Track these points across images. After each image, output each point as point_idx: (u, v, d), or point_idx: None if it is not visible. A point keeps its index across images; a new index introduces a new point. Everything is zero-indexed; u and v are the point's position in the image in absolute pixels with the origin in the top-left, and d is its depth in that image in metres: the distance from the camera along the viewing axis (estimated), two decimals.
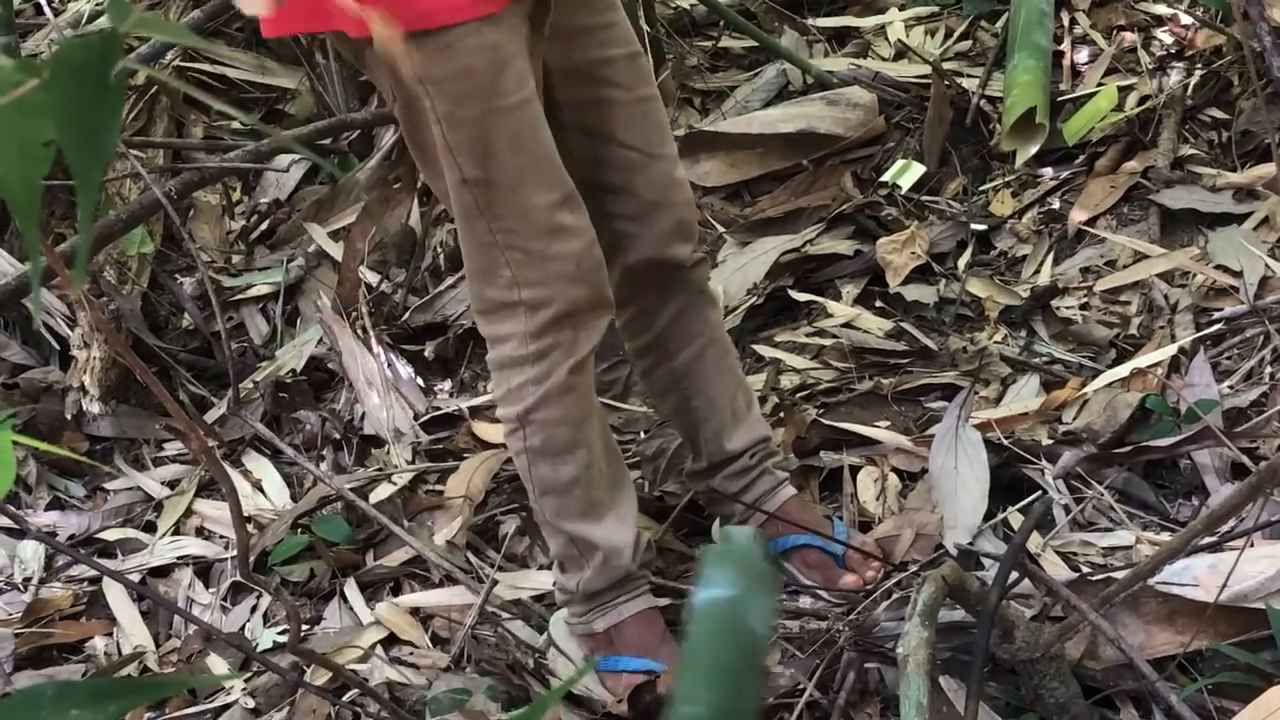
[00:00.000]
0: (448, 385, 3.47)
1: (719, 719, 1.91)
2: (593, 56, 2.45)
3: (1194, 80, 3.57)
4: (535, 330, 2.40)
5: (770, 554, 2.79)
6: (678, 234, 2.59)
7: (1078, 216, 3.41)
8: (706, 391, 2.73)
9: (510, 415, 2.50)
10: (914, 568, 2.66)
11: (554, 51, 2.41)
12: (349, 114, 3.86)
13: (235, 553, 2.51)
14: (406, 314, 3.58)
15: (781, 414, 3.05)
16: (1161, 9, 3.81)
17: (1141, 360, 2.96)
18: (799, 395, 3.16)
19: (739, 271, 3.46)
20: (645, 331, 2.70)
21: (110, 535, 3.25)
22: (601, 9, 2.43)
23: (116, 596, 3.07)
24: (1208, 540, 2.44)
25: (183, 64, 4.04)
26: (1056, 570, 2.54)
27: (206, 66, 4.09)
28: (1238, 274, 3.12)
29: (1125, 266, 3.26)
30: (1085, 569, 2.54)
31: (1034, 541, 2.67)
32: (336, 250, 3.71)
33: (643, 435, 3.12)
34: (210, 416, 3.41)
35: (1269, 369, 2.94)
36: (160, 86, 3.96)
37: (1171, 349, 2.97)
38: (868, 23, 4.12)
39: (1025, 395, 3.01)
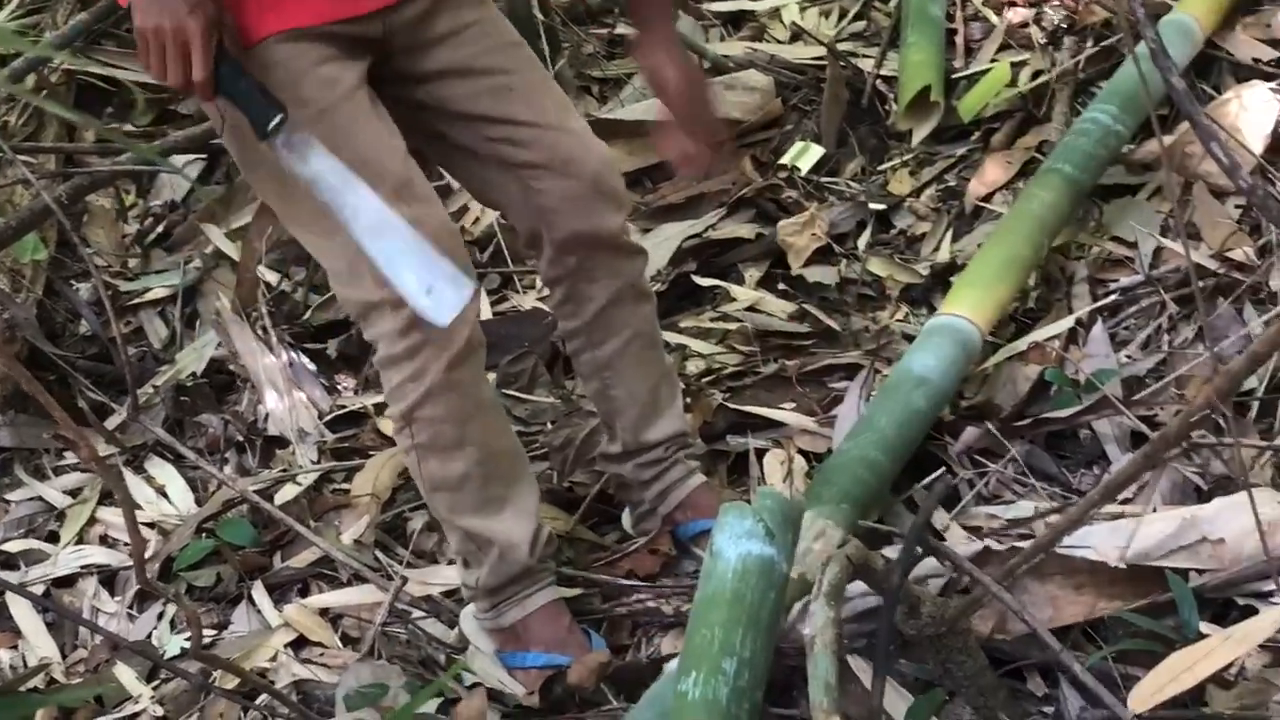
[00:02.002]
0: (352, 383, 3.45)
1: (746, 671, 1.95)
2: (466, 53, 2.46)
3: (1085, 54, 3.60)
4: (402, 327, 2.37)
5: (680, 539, 2.80)
6: (602, 201, 2.56)
7: (975, 192, 3.43)
8: (628, 383, 2.73)
9: (396, 413, 2.49)
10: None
11: (420, 62, 2.44)
12: None
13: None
14: (308, 312, 3.55)
15: (688, 399, 3.05)
16: None
17: (1040, 333, 2.98)
18: (704, 380, 3.16)
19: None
20: (574, 316, 2.69)
21: (12, 547, 3.20)
22: (464, 9, 2.45)
23: (20, 609, 3.03)
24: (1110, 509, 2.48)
25: (70, 67, 3.98)
26: (964, 546, 2.56)
27: (96, 69, 4.03)
28: (1132, 245, 3.15)
29: None
30: (991, 543, 2.55)
31: (940, 517, 2.69)
32: (234, 250, 3.67)
33: (550, 426, 3.11)
34: (111, 423, 3.36)
35: (1166, 337, 2.98)
36: (50, 91, 3.91)
37: (1069, 320, 2.99)
38: (762, 6, 4.12)
39: None
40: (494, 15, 2.52)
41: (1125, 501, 2.57)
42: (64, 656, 2.95)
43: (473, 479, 2.50)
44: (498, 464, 2.52)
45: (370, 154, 2.33)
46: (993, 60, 3.70)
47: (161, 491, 3.23)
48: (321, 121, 2.29)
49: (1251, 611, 2.33)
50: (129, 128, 4.04)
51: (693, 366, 3.20)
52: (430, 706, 2.57)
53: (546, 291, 2.78)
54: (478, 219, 3.67)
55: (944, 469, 2.77)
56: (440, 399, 2.43)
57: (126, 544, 3.13)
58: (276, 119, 2.22)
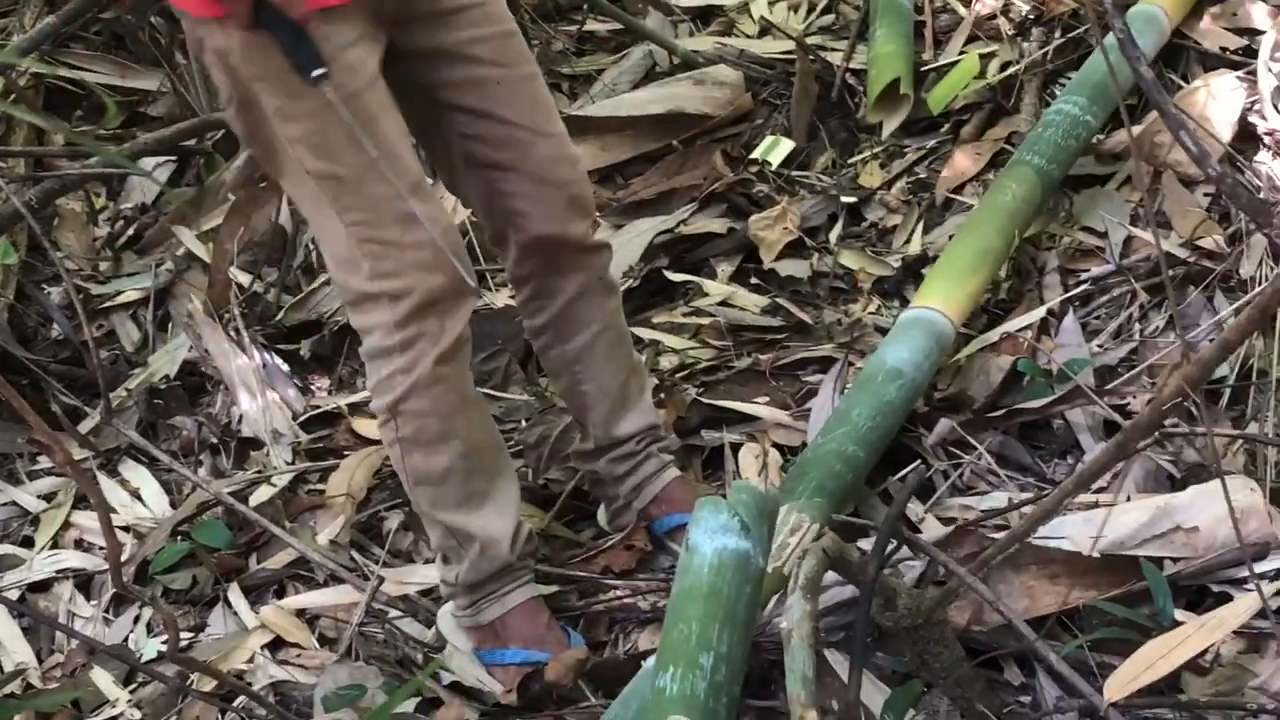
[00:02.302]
0: (326, 383, 3.44)
1: (723, 665, 1.96)
2: (462, 36, 2.44)
3: (1053, 45, 3.61)
4: (399, 320, 2.39)
5: (656, 534, 2.80)
6: (571, 210, 2.58)
7: (945, 184, 3.44)
8: (598, 377, 2.73)
9: (381, 406, 2.49)
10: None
11: (415, 36, 2.41)
12: (212, 113, 3.81)
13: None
14: (280, 313, 3.54)
15: (662, 395, 3.05)
16: None
17: (1012, 324, 3.00)
18: (678, 375, 3.17)
19: (614, 255, 3.45)
20: (541, 313, 2.70)
21: None
22: None
23: None
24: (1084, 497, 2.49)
25: (38, 71, 3.96)
26: (938, 536, 2.56)
27: (65, 72, 4.01)
28: (1103, 235, 3.16)
29: None
30: (961, 519, 2.58)
31: (915, 509, 2.70)
32: (206, 252, 3.66)
33: (524, 423, 3.11)
34: (84, 426, 3.35)
35: (1137, 326, 2.99)
36: (19, 95, 3.89)
37: (1040, 311, 3.01)
38: (731, 1, 4.12)
39: None
40: (497, 2, 2.50)
41: (1099, 491, 2.58)
42: (40, 661, 2.93)
43: (456, 473, 2.50)
44: (480, 458, 2.53)
45: (392, 146, 2.33)
46: (961, 52, 3.71)
47: (136, 495, 3.21)
48: (348, 107, 2.28)
49: (1226, 598, 2.35)
50: (99, 131, 4.02)
51: (666, 362, 3.20)
52: (408, 706, 2.57)
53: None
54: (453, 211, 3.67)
55: (918, 461, 2.78)
56: (427, 392, 2.44)
57: (102, 548, 3.12)
58: (322, 70, 2.21)
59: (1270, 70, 3.29)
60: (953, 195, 3.43)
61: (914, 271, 3.26)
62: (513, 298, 3.30)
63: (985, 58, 3.65)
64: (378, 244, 2.35)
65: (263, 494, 3.09)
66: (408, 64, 2.44)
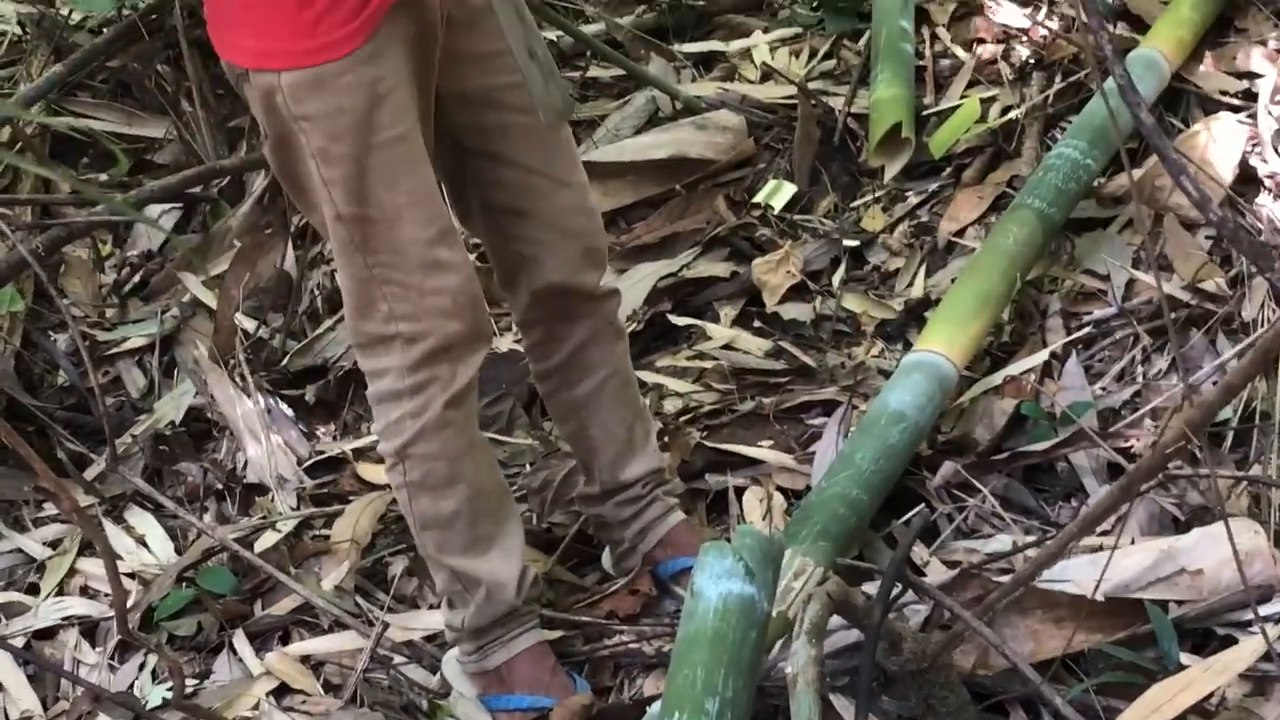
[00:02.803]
0: (330, 429, 3.45)
1: (729, 710, 1.95)
2: (490, 82, 2.44)
3: (1054, 89, 3.62)
4: (412, 364, 2.40)
5: (660, 578, 2.80)
6: (586, 261, 2.59)
7: (947, 228, 3.45)
8: (604, 422, 2.74)
9: (389, 450, 2.50)
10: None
11: (449, 78, 2.41)
12: (218, 161, 3.83)
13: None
14: (285, 359, 3.55)
15: (665, 438, 3.06)
16: (1019, 20, 3.86)
17: (1015, 367, 3.00)
18: (682, 419, 3.17)
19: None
20: (549, 357, 2.70)
21: None
22: (496, 36, 2.41)
23: (1, 662, 3.00)
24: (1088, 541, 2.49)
25: (44, 121, 3.98)
26: (943, 579, 2.56)
27: (71, 121, 4.03)
28: (1105, 278, 3.17)
29: None
30: (966, 563, 2.57)
31: (919, 552, 2.70)
32: (211, 299, 3.67)
33: (529, 467, 3.11)
34: (90, 473, 3.35)
35: (1140, 369, 3.00)
36: (26, 144, 3.91)
37: (1044, 354, 3.01)
38: (733, 47, 4.14)
39: None
40: None
41: (1103, 533, 2.58)
42: (46, 709, 2.93)
43: (462, 517, 2.51)
44: (486, 502, 2.53)
45: (429, 190, 2.35)
46: (962, 96, 3.72)
47: (141, 541, 3.22)
48: (391, 149, 2.28)
49: (1231, 641, 2.34)
50: (104, 178, 4.04)
51: (670, 405, 3.21)
52: None
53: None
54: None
55: (922, 504, 2.78)
56: (435, 436, 2.44)
57: (107, 595, 3.12)
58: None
59: (1270, 113, 3.31)
60: (955, 239, 3.44)
61: (917, 315, 3.27)
62: (518, 341, 3.31)
63: (986, 102, 3.66)
64: (399, 286, 2.35)
65: (268, 540, 3.09)
66: (436, 107, 2.45)
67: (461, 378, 2.43)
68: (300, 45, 2.23)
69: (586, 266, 2.60)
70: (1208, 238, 3.16)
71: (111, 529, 3.21)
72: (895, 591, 2.23)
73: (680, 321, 3.44)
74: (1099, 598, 2.35)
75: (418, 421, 2.43)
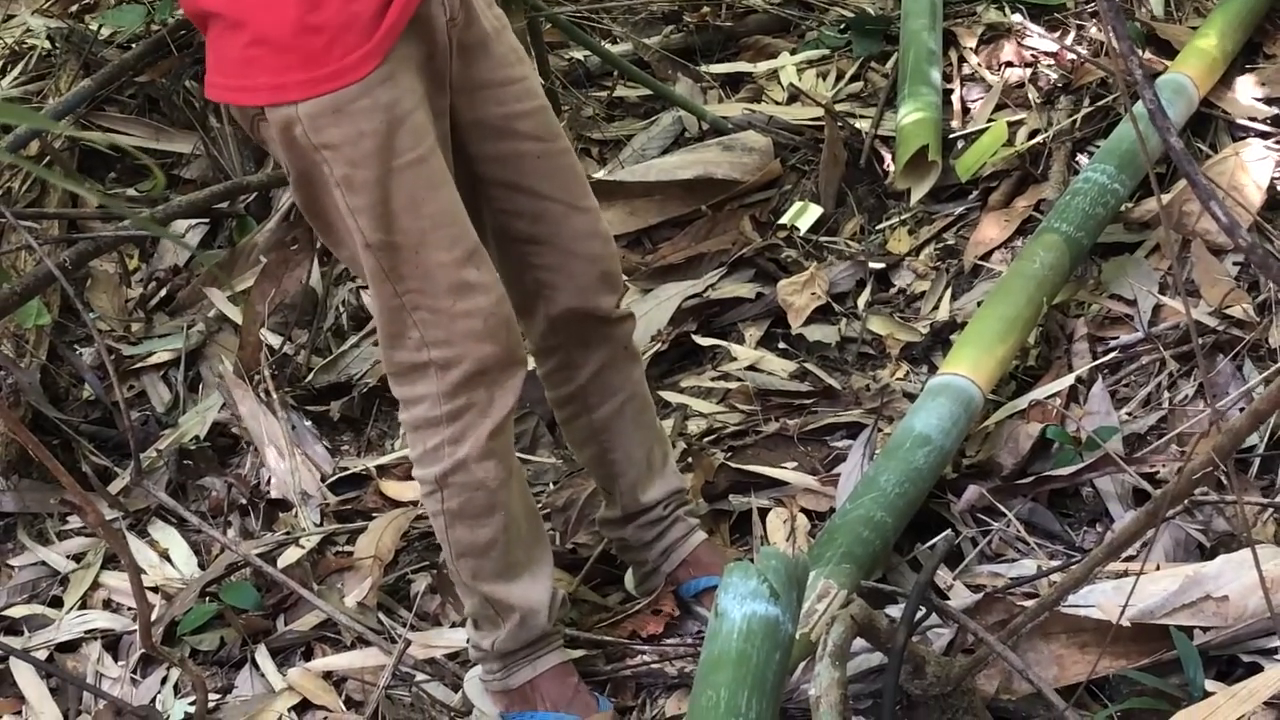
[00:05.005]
0: (355, 445, 3.45)
1: None
2: (503, 110, 2.45)
3: (1082, 113, 3.62)
4: (447, 390, 2.38)
5: (683, 597, 2.80)
6: (601, 285, 2.59)
7: (973, 251, 3.45)
8: (624, 446, 2.73)
9: (428, 477, 2.47)
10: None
11: (462, 106, 2.41)
12: (245, 177, 3.85)
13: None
14: (310, 375, 3.56)
15: (689, 459, 3.06)
16: (1047, 44, 3.86)
17: (1040, 391, 2.99)
18: (706, 439, 3.17)
19: (643, 319, 3.46)
20: (567, 383, 2.70)
21: (15, 612, 3.19)
22: (509, 64, 2.43)
23: (24, 674, 3.02)
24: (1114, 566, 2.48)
25: (72, 135, 4.01)
26: (967, 603, 2.56)
27: (99, 135, 4.05)
28: (1132, 302, 3.16)
29: None
30: (990, 586, 2.56)
31: (944, 576, 2.69)
32: (237, 314, 3.68)
33: (552, 486, 3.11)
34: (114, 487, 3.36)
35: (1166, 394, 2.99)
36: (54, 157, 3.93)
37: (1069, 378, 3.01)
38: (760, 68, 4.15)
39: None
40: (533, 75, 2.52)
41: (1128, 559, 2.57)
42: None
43: (498, 545, 2.49)
44: (520, 528, 2.52)
45: (454, 212, 2.34)
46: (989, 120, 3.73)
47: (165, 555, 3.23)
48: (413, 171, 2.28)
49: (1256, 669, 2.33)
50: (131, 192, 4.06)
51: (694, 426, 3.21)
52: None
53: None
54: None
55: (947, 528, 2.78)
56: (478, 465, 2.43)
57: (130, 608, 3.13)
58: None
59: None
60: (981, 262, 3.43)
61: (942, 338, 3.27)
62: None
63: (1013, 125, 3.67)
64: (429, 312, 2.34)
65: (291, 555, 3.10)
66: (451, 135, 2.45)
67: (500, 404, 2.41)
68: (315, 73, 2.22)
69: (603, 290, 2.60)
70: (1235, 263, 3.16)
71: (135, 543, 3.22)
72: (919, 615, 2.23)
73: (705, 342, 3.44)
74: (1124, 623, 2.34)
75: (457, 449, 2.42)
